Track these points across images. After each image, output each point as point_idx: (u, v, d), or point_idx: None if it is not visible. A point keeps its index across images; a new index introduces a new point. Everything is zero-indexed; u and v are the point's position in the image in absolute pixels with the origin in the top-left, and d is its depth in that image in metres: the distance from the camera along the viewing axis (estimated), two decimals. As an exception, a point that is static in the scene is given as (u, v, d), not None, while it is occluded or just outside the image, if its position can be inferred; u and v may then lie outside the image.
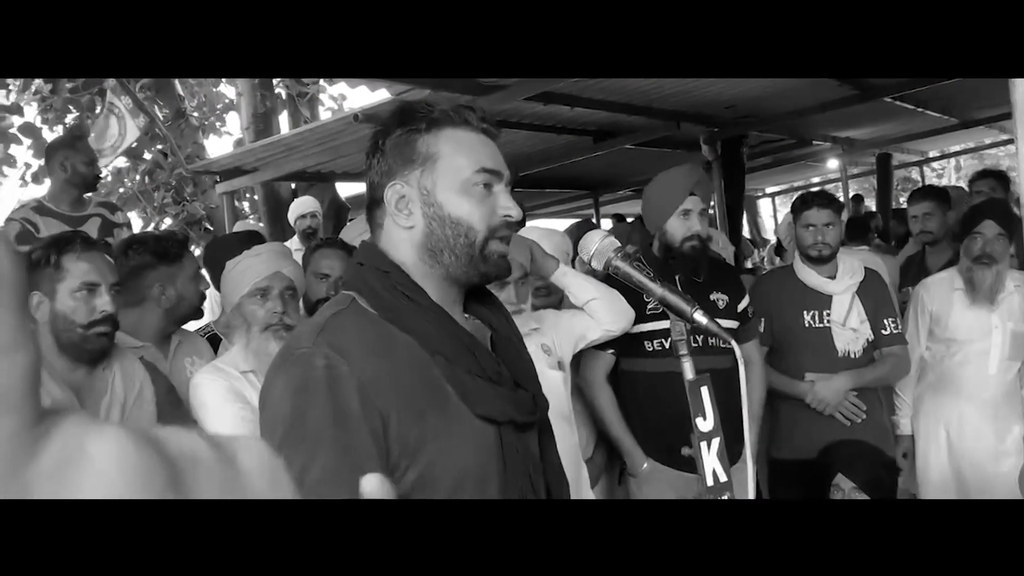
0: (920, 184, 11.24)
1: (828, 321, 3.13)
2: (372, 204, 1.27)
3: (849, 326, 3.12)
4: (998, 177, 4.65)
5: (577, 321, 2.57)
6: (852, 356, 3.12)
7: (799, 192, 7.22)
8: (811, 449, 2.95)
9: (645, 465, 2.76)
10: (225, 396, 2.16)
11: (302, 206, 5.24)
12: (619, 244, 1.29)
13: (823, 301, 3.14)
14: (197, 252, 7.52)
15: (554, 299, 2.84)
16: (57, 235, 2.15)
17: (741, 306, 2.90)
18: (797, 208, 3.21)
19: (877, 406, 3.18)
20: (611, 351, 2.74)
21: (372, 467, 1.07)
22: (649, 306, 2.68)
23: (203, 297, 2.64)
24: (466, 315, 1.30)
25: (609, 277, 1.48)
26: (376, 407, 1.10)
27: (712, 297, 2.78)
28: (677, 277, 2.70)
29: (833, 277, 3.16)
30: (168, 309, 2.47)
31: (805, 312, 3.15)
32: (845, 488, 2.74)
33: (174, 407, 2.18)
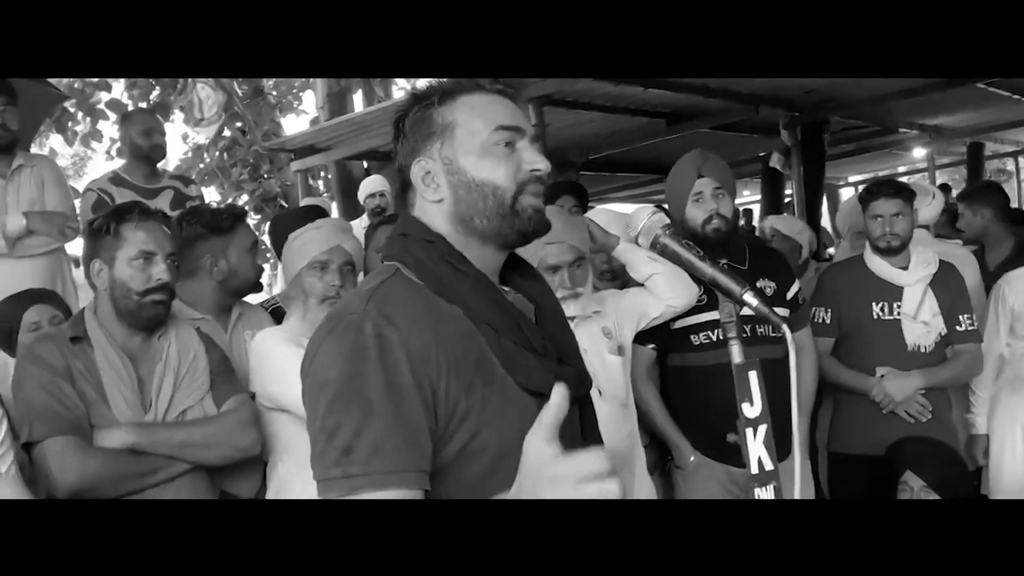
0: (1014, 176, 10.74)
1: (898, 313, 3.01)
2: (403, 186, 1.27)
3: (920, 319, 2.98)
4: None
5: (638, 299, 2.52)
6: (923, 351, 2.99)
7: (882, 181, 6.96)
8: (877, 445, 2.84)
9: (692, 458, 2.71)
10: (291, 348, 2.17)
11: (371, 185, 5.29)
12: (668, 221, 1.24)
13: (894, 292, 3.02)
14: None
15: (618, 283, 2.80)
16: (118, 205, 2.22)
17: (790, 293, 2.80)
18: (864, 198, 3.09)
19: (944, 404, 3.06)
20: (651, 345, 2.69)
21: (422, 440, 1.07)
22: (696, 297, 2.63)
23: (260, 271, 2.66)
24: (506, 288, 1.28)
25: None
26: (426, 376, 1.09)
27: (759, 284, 2.70)
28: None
29: (905, 268, 3.03)
30: (221, 281, 2.48)
31: (874, 303, 3.03)
32: (914, 487, 2.62)
33: (226, 376, 2.21)
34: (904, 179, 6.34)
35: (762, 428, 1.17)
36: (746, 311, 1.31)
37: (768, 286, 2.75)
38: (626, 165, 7.68)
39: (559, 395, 0.94)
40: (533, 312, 1.28)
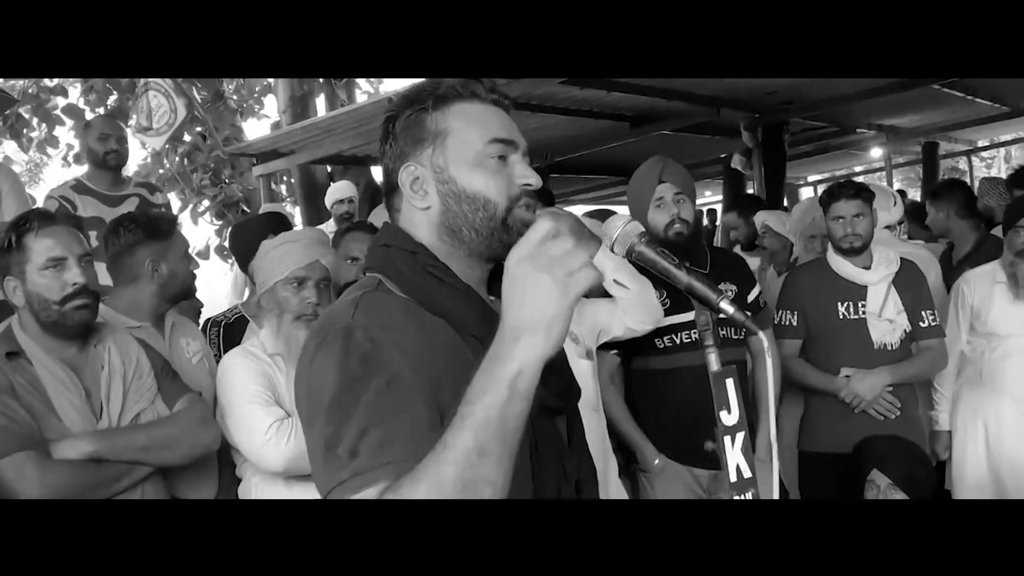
0: (967, 174, 10.98)
1: (864, 312, 3.06)
2: (389, 190, 1.25)
3: (885, 317, 3.04)
4: None
5: (603, 312, 2.53)
6: (889, 348, 3.04)
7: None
8: (844, 443, 2.89)
9: (657, 461, 2.74)
10: (253, 378, 2.17)
11: (339, 191, 5.26)
12: (643, 229, 1.24)
13: (858, 292, 3.07)
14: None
15: None
16: (16, 217, 2.12)
17: (751, 296, 2.85)
18: (825, 200, 3.13)
19: (912, 401, 3.12)
20: (614, 352, 2.72)
21: (429, 431, 1.03)
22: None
23: (194, 275, 2.63)
24: (492, 297, 1.27)
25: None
26: (424, 374, 1.07)
27: (720, 287, 2.74)
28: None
29: (868, 267, 3.08)
30: (161, 286, 2.46)
31: (840, 304, 3.08)
32: (881, 484, 2.66)
33: (171, 377, 2.18)
34: (862, 179, 6.44)
35: (740, 435, 1.17)
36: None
37: (730, 289, 2.78)
38: (591, 167, 7.71)
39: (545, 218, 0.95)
40: None
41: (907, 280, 3.10)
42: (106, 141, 3.76)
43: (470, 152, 1.16)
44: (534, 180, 1.19)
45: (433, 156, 1.18)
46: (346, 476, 1.00)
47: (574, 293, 0.90)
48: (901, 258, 3.15)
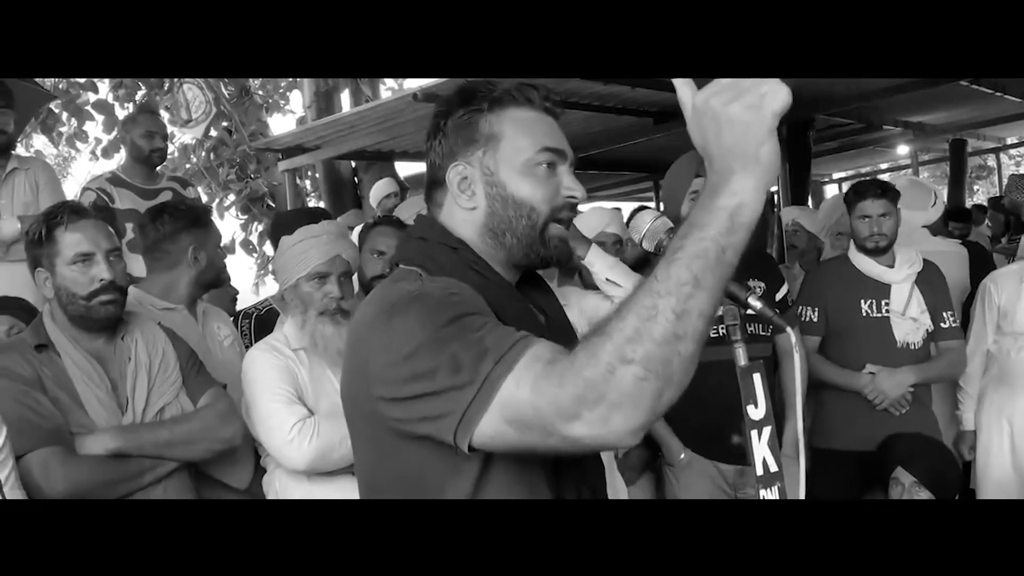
0: (995, 171, 10.84)
1: (887, 311, 3.05)
2: (433, 184, 1.27)
3: (909, 316, 3.04)
4: None
5: (603, 306, 2.54)
6: (911, 347, 3.04)
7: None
8: (863, 440, 2.89)
9: (683, 455, 2.76)
10: (277, 375, 2.20)
11: (386, 187, 5.40)
12: (671, 224, 1.26)
13: (881, 290, 3.07)
14: (260, 228, 7.65)
15: (577, 279, 2.84)
16: (48, 209, 2.16)
17: (780, 295, 2.86)
18: (851, 199, 3.13)
19: (927, 398, 3.14)
20: None
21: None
22: None
23: (226, 264, 2.76)
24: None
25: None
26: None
27: (749, 285, 2.75)
28: None
29: (891, 266, 3.08)
30: (199, 272, 2.55)
31: (863, 301, 3.08)
32: (905, 483, 2.66)
33: (197, 370, 2.21)
34: (888, 176, 6.37)
35: (767, 430, 1.19)
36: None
37: (758, 286, 2.79)
38: (615, 163, 7.69)
39: None
40: (544, 323, 1.29)
41: (929, 280, 3.10)
42: (152, 139, 3.84)
43: (521, 159, 1.19)
44: (579, 193, 1.22)
45: (484, 158, 1.20)
46: (487, 368, 0.95)
47: (771, 111, 0.89)
48: (924, 259, 3.14)
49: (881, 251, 3.08)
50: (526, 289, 1.31)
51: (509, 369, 0.94)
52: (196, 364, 2.23)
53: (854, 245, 3.17)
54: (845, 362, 3.08)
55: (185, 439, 2.04)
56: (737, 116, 0.89)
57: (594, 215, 3.15)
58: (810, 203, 7.47)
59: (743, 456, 2.68)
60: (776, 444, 1.19)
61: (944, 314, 3.11)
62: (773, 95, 0.89)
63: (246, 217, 7.87)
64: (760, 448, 1.19)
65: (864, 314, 3.08)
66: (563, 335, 1.29)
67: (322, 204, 7.17)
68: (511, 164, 1.19)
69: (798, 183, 6.11)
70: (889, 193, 3.06)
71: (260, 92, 8.11)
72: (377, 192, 5.49)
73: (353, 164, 7.05)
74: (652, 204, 8.52)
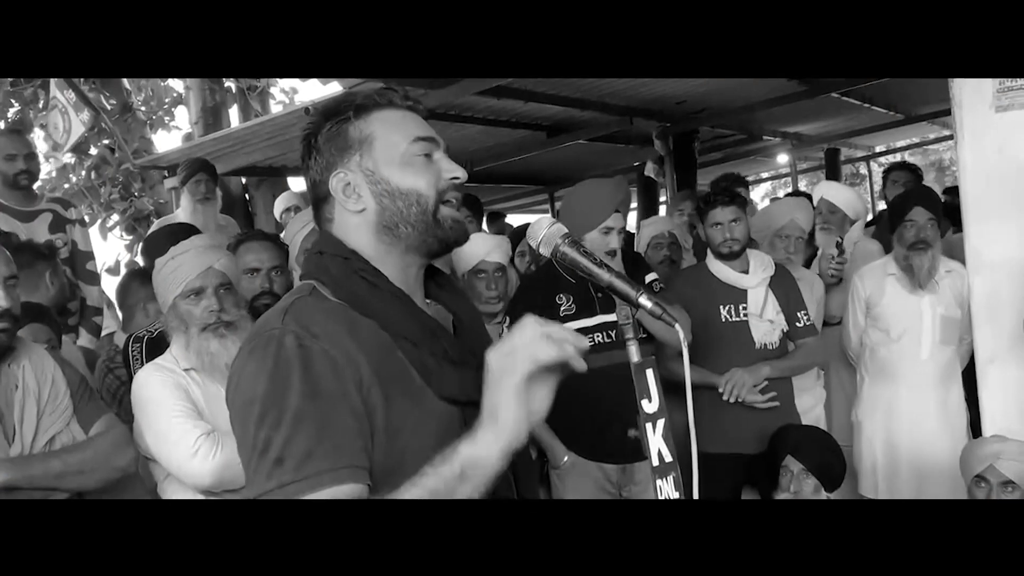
0: (867, 178, 11.49)
1: (745, 314, 3.20)
2: (318, 202, 1.28)
3: (766, 318, 3.20)
4: (911, 170, 4.96)
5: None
6: (769, 348, 3.21)
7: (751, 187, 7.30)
8: (740, 441, 3.07)
9: (566, 459, 2.83)
10: (171, 392, 2.14)
11: (286, 200, 5.34)
12: (567, 231, 1.30)
13: (738, 295, 3.22)
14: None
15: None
16: None
17: (648, 279, 3.04)
18: (703, 209, 3.27)
19: (789, 394, 3.27)
20: None
21: (355, 441, 1.09)
22: (562, 308, 2.76)
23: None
24: (427, 300, 1.31)
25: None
26: (352, 382, 1.11)
27: (647, 277, 3.00)
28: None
29: (746, 271, 3.24)
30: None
31: (722, 307, 3.21)
32: (794, 470, 2.80)
33: (88, 397, 2.14)
34: (770, 185, 6.64)
35: (660, 422, 1.24)
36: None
37: (656, 284, 2.97)
38: (509, 177, 7.78)
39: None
40: (452, 322, 1.32)
41: (781, 283, 3.28)
42: (13, 161, 3.64)
43: (397, 152, 1.23)
44: (460, 173, 1.26)
45: (362, 161, 1.23)
46: (272, 486, 1.05)
47: (523, 359, 1.05)
48: (775, 263, 3.32)
49: (735, 255, 3.22)
50: (435, 291, 1.34)
51: (288, 496, 1.06)
52: (87, 391, 2.15)
53: (710, 252, 3.31)
54: (708, 367, 3.14)
55: (78, 469, 1.96)
56: (493, 363, 1.07)
57: (477, 240, 3.20)
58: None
59: (626, 456, 2.78)
60: (670, 435, 1.24)
61: (798, 313, 3.27)
62: (524, 348, 1.05)
63: (132, 237, 7.57)
64: (655, 440, 1.24)
65: (724, 319, 3.21)
66: (472, 331, 1.33)
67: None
68: (389, 159, 1.23)
69: (685, 191, 6.32)
70: (737, 200, 3.21)
71: (143, 108, 7.85)
72: (278, 206, 5.45)
73: (243, 180, 6.90)
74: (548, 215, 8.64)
